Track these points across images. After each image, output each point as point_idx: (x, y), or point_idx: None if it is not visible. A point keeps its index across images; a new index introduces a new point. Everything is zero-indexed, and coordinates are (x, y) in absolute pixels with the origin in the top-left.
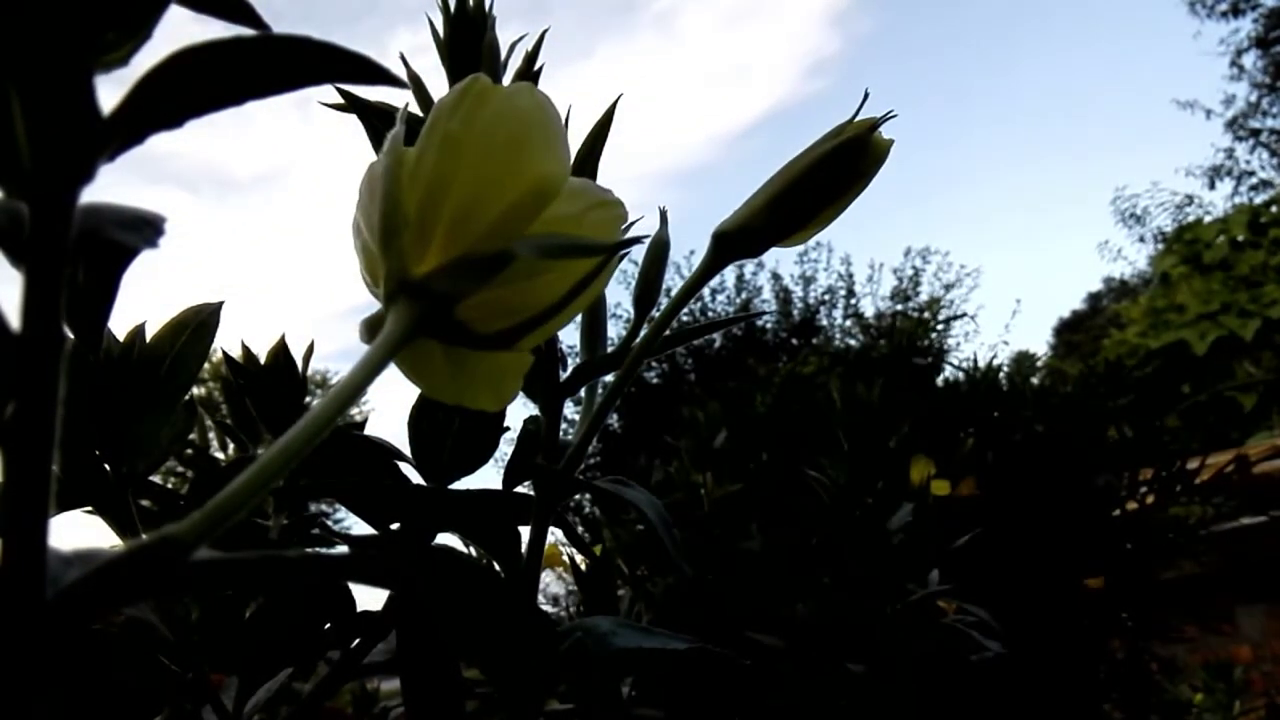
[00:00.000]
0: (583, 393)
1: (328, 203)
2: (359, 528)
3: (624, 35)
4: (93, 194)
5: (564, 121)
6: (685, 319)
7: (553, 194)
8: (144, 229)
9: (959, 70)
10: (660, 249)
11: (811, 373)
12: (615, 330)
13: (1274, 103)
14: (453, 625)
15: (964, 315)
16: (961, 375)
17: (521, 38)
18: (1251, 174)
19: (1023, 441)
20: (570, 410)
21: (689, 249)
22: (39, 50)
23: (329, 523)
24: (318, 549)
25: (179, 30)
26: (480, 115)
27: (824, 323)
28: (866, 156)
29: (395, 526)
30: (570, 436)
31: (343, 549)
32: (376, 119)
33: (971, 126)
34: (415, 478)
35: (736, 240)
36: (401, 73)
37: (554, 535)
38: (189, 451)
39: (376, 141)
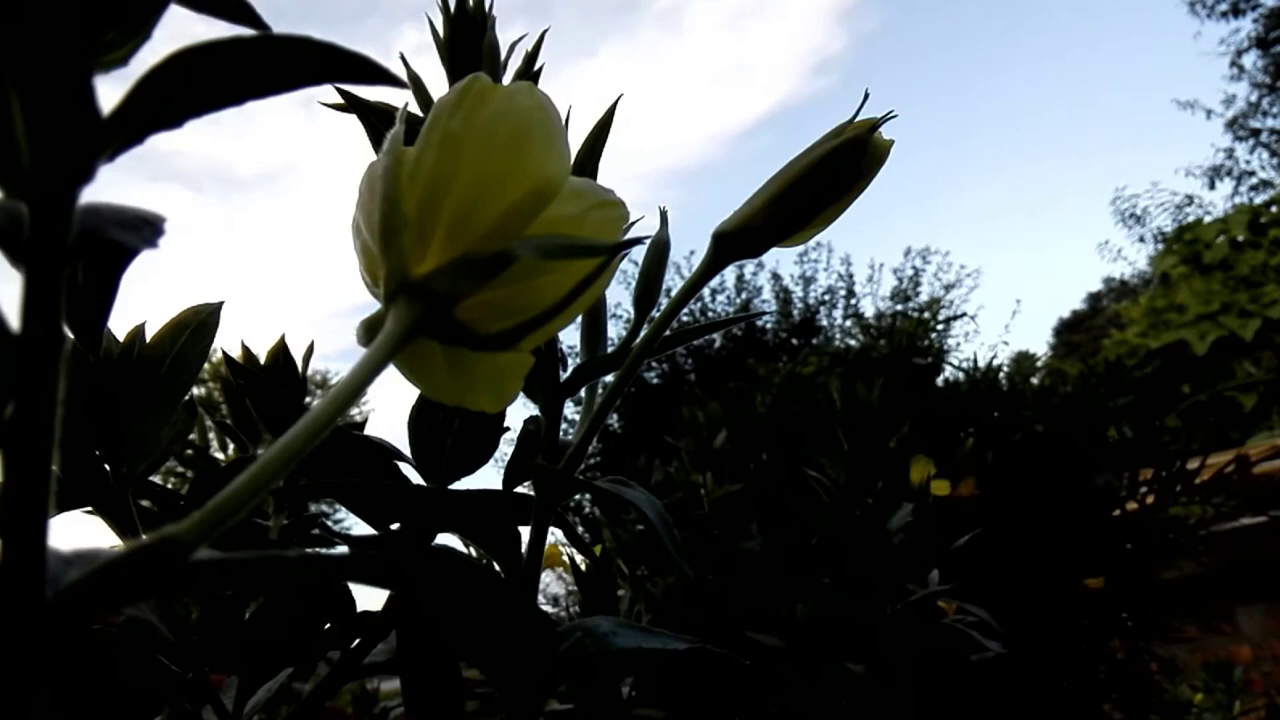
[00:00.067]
0: (583, 393)
1: (331, 202)
2: (359, 528)
3: (627, 34)
4: (94, 191)
5: (564, 121)
6: (685, 319)
7: (553, 194)
8: (143, 229)
9: (961, 69)
10: (661, 249)
11: (811, 373)
12: (615, 330)
13: (1274, 103)
14: (453, 625)
15: (964, 315)
16: (961, 375)
17: (522, 37)
18: (1251, 174)
19: (1023, 441)
20: (570, 410)
21: (689, 249)
22: (39, 50)
23: (329, 523)
24: (318, 549)
25: (180, 30)
26: (480, 114)
27: (824, 323)
28: (867, 157)
29: (395, 527)
30: (570, 436)
31: (343, 549)
32: (376, 119)
33: (972, 126)
34: (415, 478)
35: (737, 240)
36: (402, 73)
37: (554, 535)
38: (189, 451)
39: (376, 141)
